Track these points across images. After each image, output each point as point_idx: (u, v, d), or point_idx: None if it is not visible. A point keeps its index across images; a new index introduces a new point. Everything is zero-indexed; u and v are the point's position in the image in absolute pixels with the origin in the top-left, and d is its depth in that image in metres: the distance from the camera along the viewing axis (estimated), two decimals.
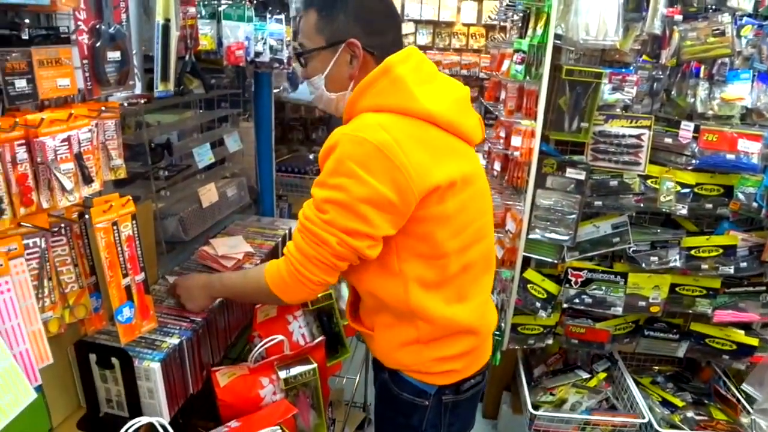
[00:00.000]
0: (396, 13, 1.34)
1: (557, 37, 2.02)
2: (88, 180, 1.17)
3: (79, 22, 1.09)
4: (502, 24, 3.33)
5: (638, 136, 2.17)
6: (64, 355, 1.40)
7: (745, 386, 2.48)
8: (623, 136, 2.17)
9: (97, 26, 1.12)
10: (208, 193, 1.94)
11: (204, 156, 1.89)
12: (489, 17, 3.72)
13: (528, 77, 2.07)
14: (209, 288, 1.52)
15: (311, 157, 3.90)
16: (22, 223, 1.09)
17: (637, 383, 2.58)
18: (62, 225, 1.18)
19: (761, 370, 2.46)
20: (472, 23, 4.22)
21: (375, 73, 1.24)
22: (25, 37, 0.99)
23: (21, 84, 0.98)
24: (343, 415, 2.34)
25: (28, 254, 1.10)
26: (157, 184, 1.74)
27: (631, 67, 2.16)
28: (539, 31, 1.98)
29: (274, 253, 2.08)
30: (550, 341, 2.56)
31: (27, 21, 0.99)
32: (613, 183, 2.23)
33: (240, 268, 1.85)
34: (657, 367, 2.85)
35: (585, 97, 2.08)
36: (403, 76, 1.21)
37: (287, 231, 2.18)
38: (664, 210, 2.26)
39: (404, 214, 1.21)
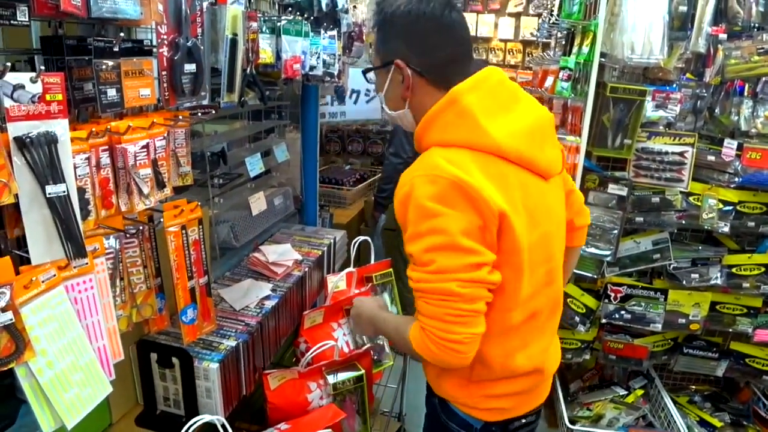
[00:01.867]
0: (456, 31, 1.22)
1: (602, 54, 2.04)
2: (161, 185, 1.23)
3: (162, 36, 1.15)
4: (544, 41, 3.36)
5: (681, 153, 2.17)
6: (126, 353, 1.45)
7: None
8: (666, 153, 2.18)
9: (177, 40, 1.18)
10: (258, 202, 2.00)
11: (255, 165, 1.95)
12: (531, 34, 3.75)
13: (573, 94, 2.10)
14: (374, 324, 1.47)
15: (347, 168, 3.97)
16: (100, 225, 1.15)
17: (674, 402, 2.56)
18: (137, 227, 1.23)
19: None
20: (510, 39, 4.26)
21: (441, 104, 1.19)
22: (116, 49, 1.05)
23: (112, 93, 1.05)
24: (381, 424, 2.36)
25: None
26: (212, 191, 1.80)
27: (675, 85, 2.17)
28: (585, 49, 2.01)
29: (320, 262, 2.12)
30: (587, 356, 2.56)
31: (122, 34, 1.05)
32: (655, 199, 2.24)
33: (289, 275, 1.90)
34: (694, 386, 2.82)
35: (628, 114, 2.10)
36: (471, 107, 1.16)
37: (332, 240, 2.23)
38: (706, 227, 2.26)
39: (494, 241, 1.15)
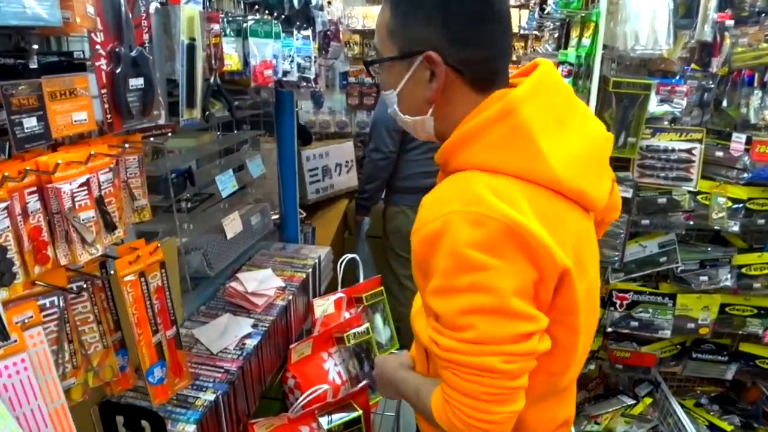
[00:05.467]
0: (504, 14, 0.92)
1: (602, 47, 1.87)
2: (110, 227, 1.02)
3: (97, 46, 0.94)
4: (528, 33, 3.17)
5: (689, 150, 2.02)
6: (87, 416, 1.25)
7: None
8: (672, 150, 2.03)
9: (117, 49, 0.97)
10: (233, 223, 1.80)
11: (227, 184, 1.74)
12: (518, 26, 3.54)
13: (575, 90, 1.93)
14: (396, 387, 1.19)
15: None
16: (37, 282, 0.94)
17: (681, 406, 2.44)
18: (84, 281, 1.03)
19: None
20: None
21: (490, 114, 0.88)
22: (33, 65, 0.84)
23: (30, 123, 0.83)
24: None
25: (45, 316, 0.96)
26: (180, 217, 1.59)
27: (680, 77, 2.01)
28: (586, 41, 1.83)
29: (305, 287, 1.93)
30: (592, 366, 2.42)
31: (35, 47, 0.84)
32: (662, 200, 2.08)
33: (272, 305, 1.70)
34: (700, 389, 2.70)
35: (632, 110, 1.94)
36: (528, 123, 0.86)
37: (317, 259, 2.03)
38: (715, 227, 2.12)
39: (548, 299, 0.89)
